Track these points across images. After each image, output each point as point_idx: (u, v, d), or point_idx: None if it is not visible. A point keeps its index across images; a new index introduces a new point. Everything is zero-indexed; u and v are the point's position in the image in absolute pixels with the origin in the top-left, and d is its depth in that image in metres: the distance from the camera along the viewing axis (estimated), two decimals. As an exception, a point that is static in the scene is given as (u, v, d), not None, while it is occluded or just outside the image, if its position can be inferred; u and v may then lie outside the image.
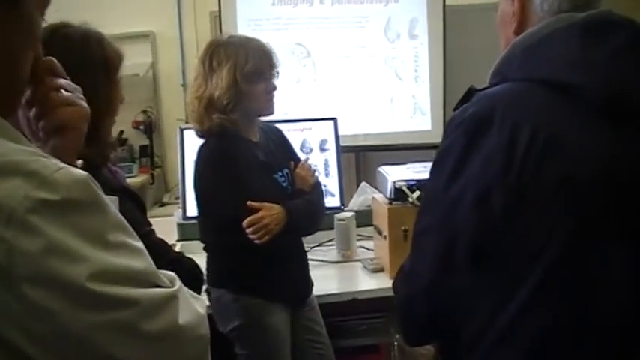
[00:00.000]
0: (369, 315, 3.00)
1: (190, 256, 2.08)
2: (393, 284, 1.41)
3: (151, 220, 1.93)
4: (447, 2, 4.53)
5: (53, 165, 0.81)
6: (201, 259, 2.31)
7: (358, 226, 3.18)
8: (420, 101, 4.57)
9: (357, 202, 3.53)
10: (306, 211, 2.54)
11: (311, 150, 3.50)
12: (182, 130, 3.30)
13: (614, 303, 1.21)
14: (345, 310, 2.91)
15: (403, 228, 2.70)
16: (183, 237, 3.24)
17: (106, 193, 0.87)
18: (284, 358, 2.50)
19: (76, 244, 0.78)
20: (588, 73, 1.20)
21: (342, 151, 3.58)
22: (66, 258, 0.77)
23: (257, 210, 2.37)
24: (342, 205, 3.45)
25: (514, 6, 1.36)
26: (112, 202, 0.87)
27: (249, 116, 2.51)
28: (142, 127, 5.29)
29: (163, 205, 5.07)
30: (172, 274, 0.93)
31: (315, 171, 2.74)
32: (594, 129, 1.21)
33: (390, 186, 2.78)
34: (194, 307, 0.92)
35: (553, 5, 1.31)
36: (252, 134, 2.57)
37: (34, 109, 1.00)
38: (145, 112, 5.32)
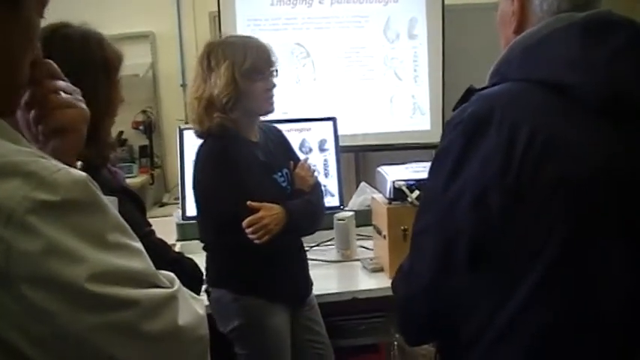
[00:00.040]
0: (369, 315, 3.00)
1: (190, 256, 2.08)
2: (392, 284, 1.41)
3: (151, 220, 1.93)
4: (446, 2, 4.53)
5: (52, 166, 0.81)
6: (200, 259, 2.31)
7: (358, 226, 3.18)
8: (420, 101, 4.58)
9: (356, 201, 3.53)
10: (306, 211, 2.54)
11: (310, 150, 3.50)
12: (181, 131, 3.30)
13: (614, 300, 1.21)
14: (345, 310, 2.91)
15: (402, 228, 2.70)
16: (182, 237, 3.24)
17: (106, 194, 0.87)
18: (284, 358, 2.50)
19: (75, 245, 0.78)
20: (588, 73, 1.21)
21: (341, 150, 3.58)
22: (65, 259, 0.77)
23: (257, 210, 2.38)
24: (342, 204, 3.45)
25: (514, 5, 1.36)
26: (111, 203, 0.87)
27: (249, 115, 2.51)
28: (141, 128, 5.29)
29: (163, 205, 5.08)
30: (172, 274, 0.93)
31: (314, 171, 2.74)
32: (594, 128, 1.22)
33: (389, 186, 2.78)
34: (194, 307, 0.92)
35: (553, 5, 1.31)
36: (252, 134, 2.57)
37: (33, 112, 1.00)
38: (144, 112, 5.32)
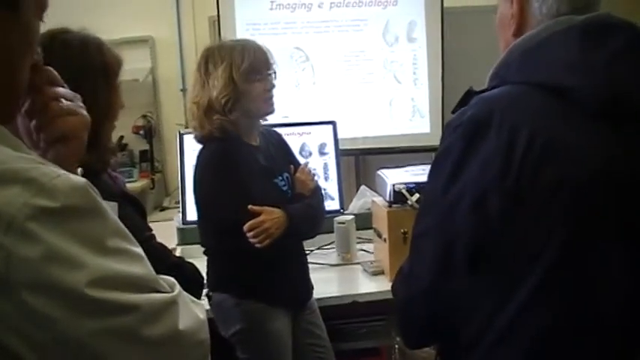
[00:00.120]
0: (370, 318, 3.00)
1: (190, 260, 2.08)
2: (392, 287, 1.41)
3: (152, 225, 1.93)
4: (445, 5, 4.53)
5: (52, 172, 0.81)
6: (201, 264, 2.31)
7: (358, 229, 3.18)
8: (419, 104, 4.58)
9: (356, 205, 3.53)
10: (307, 215, 2.54)
11: (310, 154, 3.50)
12: (181, 135, 3.31)
13: (613, 303, 1.21)
14: (346, 313, 2.91)
15: (402, 230, 2.70)
16: (183, 241, 3.24)
17: (106, 199, 0.87)
18: (285, 362, 2.50)
19: (75, 251, 0.78)
20: (587, 76, 1.21)
21: (341, 154, 3.58)
22: (65, 265, 0.77)
23: (258, 214, 2.38)
24: (342, 208, 3.46)
25: (513, 8, 1.36)
26: (111, 208, 0.87)
27: (248, 116, 2.51)
28: (141, 132, 5.28)
29: (163, 209, 5.07)
30: (172, 279, 0.93)
31: (314, 175, 2.74)
32: (593, 131, 1.22)
33: (389, 189, 2.78)
34: (194, 312, 0.92)
35: (552, 8, 1.31)
36: (253, 138, 2.57)
37: (34, 121, 1.00)
38: (144, 117, 5.32)
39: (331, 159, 3.53)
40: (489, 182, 1.19)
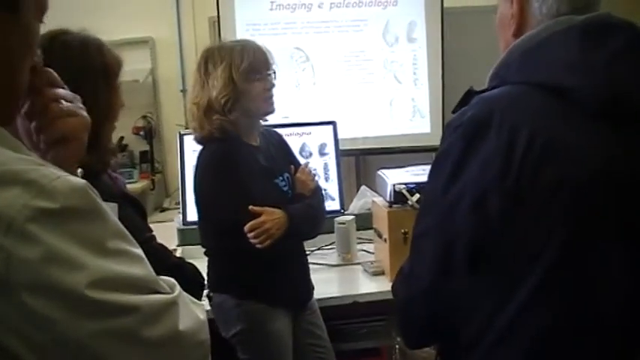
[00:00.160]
0: (370, 318, 3.00)
1: (191, 261, 2.08)
2: (392, 287, 1.41)
3: (152, 226, 1.93)
4: (445, 5, 4.52)
5: (51, 173, 0.81)
6: (201, 264, 2.31)
7: (358, 230, 3.18)
8: (419, 104, 4.58)
9: (356, 205, 3.53)
10: (307, 216, 2.54)
11: (310, 154, 3.50)
12: (182, 136, 3.31)
13: (613, 303, 1.21)
14: (346, 314, 2.91)
15: (403, 231, 2.70)
16: (183, 242, 3.24)
17: (106, 199, 0.87)
18: (286, 363, 2.50)
19: (74, 252, 0.78)
20: (587, 76, 1.21)
21: (341, 154, 3.58)
22: (65, 266, 0.77)
23: (258, 214, 2.38)
24: (342, 208, 3.46)
25: (513, 8, 1.36)
26: (111, 209, 0.87)
27: (248, 116, 2.51)
28: (142, 133, 5.28)
29: (164, 210, 5.07)
30: (172, 280, 0.93)
31: (315, 175, 2.74)
32: (593, 131, 1.22)
33: (389, 189, 2.78)
34: (194, 313, 0.92)
35: (552, 8, 1.31)
36: (253, 138, 2.57)
37: (34, 122, 1.00)
38: (144, 117, 5.32)
39: (331, 159, 3.53)
40: (489, 182, 1.19)
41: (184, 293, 0.93)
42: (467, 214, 1.21)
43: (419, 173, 2.84)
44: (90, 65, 1.72)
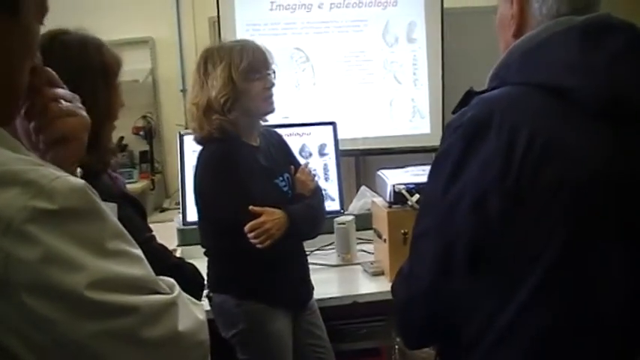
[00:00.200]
0: (370, 318, 3.00)
1: (191, 261, 2.08)
2: (392, 287, 1.41)
3: (152, 226, 1.93)
4: (445, 5, 4.52)
5: (50, 174, 0.81)
6: (201, 265, 2.31)
7: (358, 230, 3.18)
8: (419, 104, 4.58)
9: (356, 205, 3.53)
10: (308, 216, 2.54)
11: (310, 154, 3.50)
12: (181, 136, 3.30)
13: (613, 303, 1.22)
14: (346, 314, 2.91)
15: (403, 231, 2.70)
16: (183, 242, 3.24)
17: (106, 200, 0.87)
18: (286, 363, 2.50)
19: (74, 253, 0.78)
20: (587, 77, 1.21)
21: (341, 155, 3.58)
22: (64, 267, 0.77)
23: (259, 215, 2.38)
24: (342, 208, 3.46)
25: (513, 9, 1.36)
26: (110, 209, 0.87)
27: (248, 115, 2.50)
28: (141, 133, 5.28)
29: (164, 210, 5.07)
30: (171, 280, 0.93)
31: (315, 175, 2.74)
32: (593, 132, 1.22)
33: (389, 189, 2.78)
34: (194, 313, 0.92)
35: (552, 9, 1.31)
36: (253, 138, 2.57)
37: (33, 122, 1.00)
38: (144, 117, 5.32)
39: (331, 159, 3.53)
40: (489, 183, 1.19)
41: (184, 293, 0.93)
42: (467, 214, 1.21)
43: (419, 174, 2.84)
44: (89, 65, 1.72)
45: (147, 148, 5.33)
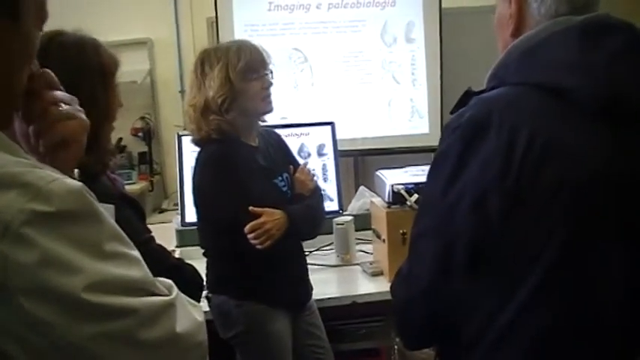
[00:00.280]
0: (369, 319, 3.00)
1: (190, 262, 2.08)
2: (391, 287, 1.41)
3: (150, 227, 1.93)
4: (443, 5, 4.53)
5: (48, 176, 0.81)
6: (200, 265, 2.30)
7: (357, 230, 3.18)
8: (418, 104, 4.58)
9: (355, 206, 3.53)
10: (307, 216, 2.54)
11: (309, 154, 3.50)
12: (180, 137, 3.30)
13: (613, 303, 1.22)
14: (345, 314, 2.91)
15: (401, 231, 2.70)
16: (182, 243, 3.24)
17: (105, 201, 0.87)
18: (285, 364, 2.50)
19: (71, 256, 0.78)
20: (586, 77, 1.21)
21: (340, 155, 3.58)
22: (62, 269, 0.77)
23: (258, 215, 2.38)
24: (341, 209, 3.46)
25: (511, 9, 1.36)
26: (107, 211, 0.86)
27: (247, 116, 2.50)
28: (140, 134, 5.29)
29: (162, 211, 5.07)
30: (169, 281, 0.93)
31: (314, 175, 2.74)
32: (592, 131, 1.22)
33: (388, 189, 2.78)
34: (192, 314, 0.92)
35: (550, 8, 1.31)
36: (252, 139, 2.57)
37: (33, 126, 1.00)
38: (143, 118, 5.32)
39: (330, 160, 3.53)
40: (489, 182, 1.18)
41: (182, 295, 0.93)
42: (467, 214, 1.20)
43: (417, 174, 2.83)
44: (87, 65, 1.72)
45: (145, 149, 5.33)
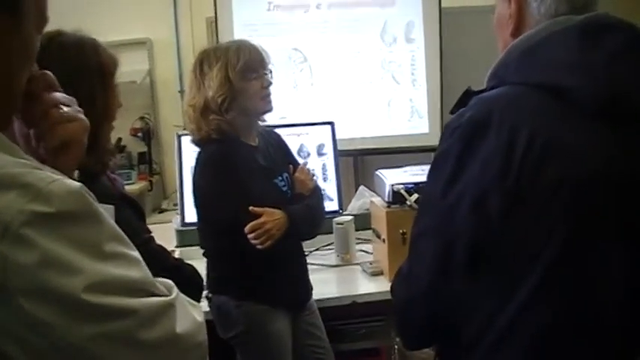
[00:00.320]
0: (369, 319, 3.00)
1: (190, 262, 2.08)
2: (391, 287, 1.41)
3: (150, 227, 1.93)
4: (443, 5, 4.53)
5: (47, 177, 0.81)
6: (200, 265, 2.30)
7: (357, 230, 3.18)
8: (417, 104, 4.57)
9: (355, 205, 3.53)
10: (307, 216, 2.54)
11: (308, 154, 3.50)
12: (180, 137, 3.30)
13: (613, 302, 1.22)
14: (345, 314, 2.91)
15: (401, 231, 2.70)
16: (182, 243, 3.24)
17: (105, 201, 0.87)
18: (285, 364, 2.50)
19: (71, 256, 0.78)
20: (586, 76, 1.21)
21: (339, 155, 3.58)
22: (61, 270, 0.77)
23: (259, 215, 2.37)
24: (341, 208, 3.46)
25: (511, 8, 1.36)
26: (107, 211, 0.86)
27: (246, 116, 2.50)
28: (139, 134, 5.29)
29: (162, 211, 5.08)
30: (169, 282, 0.93)
31: (313, 175, 2.74)
32: (592, 131, 1.22)
33: (387, 189, 2.78)
34: (192, 314, 0.92)
35: (550, 8, 1.31)
36: (252, 138, 2.57)
37: (34, 130, 0.99)
38: (142, 118, 5.33)
39: (330, 159, 3.53)
40: (490, 182, 1.18)
41: (182, 295, 0.93)
42: (467, 214, 1.20)
43: (417, 173, 2.83)
44: (86, 65, 1.72)
45: (145, 149, 5.33)
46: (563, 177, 1.18)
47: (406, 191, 2.72)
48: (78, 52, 1.73)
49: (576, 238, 1.19)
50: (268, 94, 2.51)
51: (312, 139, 3.53)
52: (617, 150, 1.22)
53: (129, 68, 4.28)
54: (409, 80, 4.57)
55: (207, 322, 0.99)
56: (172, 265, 1.90)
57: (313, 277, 2.71)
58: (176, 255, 2.89)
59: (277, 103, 2.57)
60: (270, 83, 2.52)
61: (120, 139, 4.94)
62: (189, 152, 3.01)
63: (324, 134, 3.55)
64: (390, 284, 1.44)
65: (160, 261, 1.77)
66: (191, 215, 2.92)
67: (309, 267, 2.72)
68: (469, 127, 1.23)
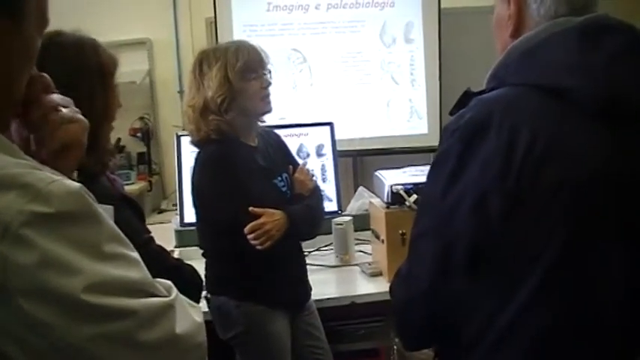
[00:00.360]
0: (368, 319, 3.00)
1: (189, 262, 2.08)
2: (390, 288, 1.41)
3: (149, 227, 1.93)
4: (443, 6, 4.53)
5: (47, 177, 0.81)
6: (199, 266, 2.30)
7: (356, 231, 3.18)
8: (417, 105, 4.58)
9: (354, 206, 3.53)
10: (307, 216, 2.54)
11: (308, 155, 3.50)
12: (179, 137, 3.30)
13: (613, 303, 1.22)
14: (344, 315, 2.91)
15: (400, 232, 2.70)
16: (181, 243, 3.24)
17: (105, 201, 0.87)
18: (285, 364, 2.50)
19: (70, 257, 0.78)
20: (586, 77, 1.21)
21: (338, 155, 3.58)
22: (61, 271, 0.77)
23: (258, 216, 2.37)
24: (340, 209, 3.46)
25: (510, 9, 1.35)
26: (106, 212, 0.86)
27: (246, 116, 2.50)
28: (139, 135, 5.29)
29: (161, 211, 5.08)
30: (169, 282, 0.93)
31: (313, 175, 2.74)
32: (591, 132, 1.22)
33: (387, 190, 2.78)
34: (191, 315, 0.92)
35: (550, 9, 1.31)
36: (251, 139, 2.57)
37: (34, 134, 0.99)
38: (142, 119, 5.33)
39: (329, 160, 3.53)
40: (490, 183, 1.18)
41: (181, 296, 0.93)
42: (467, 215, 1.20)
43: (416, 174, 2.83)
44: (86, 66, 1.72)
45: (144, 149, 5.33)
46: (564, 179, 1.18)
47: (405, 192, 2.72)
48: (77, 52, 1.73)
49: (576, 238, 1.19)
50: (267, 95, 2.51)
51: (311, 139, 3.53)
52: (617, 150, 1.22)
53: (128, 68, 4.28)
54: (408, 81, 4.57)
55: (207, 322, 0.99)
56: (172, 266, 1.90)
57: (312, 278, 2.71)
58: (175, 255, 2.89)
59: (276, 103, 2.57)
60: (270, 83, 2.52)
61: (119, 140, 4.94)
62: (189, 152, 3.01)
63: (323, 135, 3.55)
64: (389, 285, 1.44)
65: (159, 261, 1.77)
66: (190, 215, 2.92)
67: (308, 267, 2.72)
68: (469, 128, 1.23)
